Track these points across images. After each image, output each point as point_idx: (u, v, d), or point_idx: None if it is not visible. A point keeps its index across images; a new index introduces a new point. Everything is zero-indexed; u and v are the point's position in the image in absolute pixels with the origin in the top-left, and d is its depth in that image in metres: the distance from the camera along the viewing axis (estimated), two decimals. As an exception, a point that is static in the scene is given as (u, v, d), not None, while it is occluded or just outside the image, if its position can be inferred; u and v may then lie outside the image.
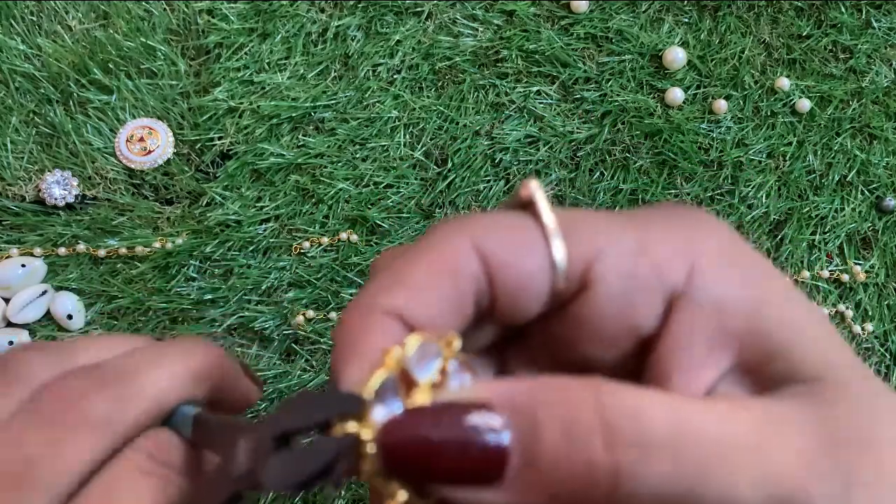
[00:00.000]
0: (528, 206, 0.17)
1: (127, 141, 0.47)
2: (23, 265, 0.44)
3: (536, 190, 0.17)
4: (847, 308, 0.45)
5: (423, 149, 0.48)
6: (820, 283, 0.46)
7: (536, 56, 0.49)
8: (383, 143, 0.47)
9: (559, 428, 0.14)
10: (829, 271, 0.46)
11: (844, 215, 0.47)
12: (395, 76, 0.49)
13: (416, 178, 0.47)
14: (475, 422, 0.15)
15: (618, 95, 0.49)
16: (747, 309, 0.16)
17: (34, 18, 0.50)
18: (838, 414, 0.16)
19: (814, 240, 0.46)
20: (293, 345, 0.44)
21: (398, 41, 0.50)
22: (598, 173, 0.48)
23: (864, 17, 0.51)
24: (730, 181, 0.47)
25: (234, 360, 0.26)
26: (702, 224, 0.17)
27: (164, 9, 0.50)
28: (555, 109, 0.49)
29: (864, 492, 0.15)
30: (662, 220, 0.17)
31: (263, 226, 0.46)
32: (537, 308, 0.17)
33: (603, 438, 0.14)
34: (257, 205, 0.46)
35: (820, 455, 0.15)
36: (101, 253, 0.45)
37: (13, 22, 0.49)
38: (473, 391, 0.15)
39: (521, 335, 0.19)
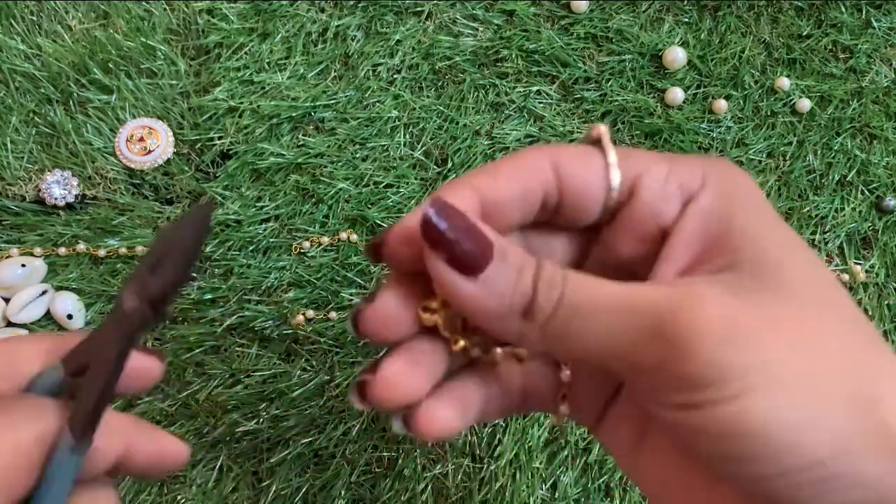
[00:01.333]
0: (596, 143, 0.24)
1: (127, 141, 0.47)
2: (23, 265, 0.44)
3: (604, 127, 0.24)
4: (847, 308, 0.45)
5: (423, 149, 0.48)
6: (820, 283, 0.46)
7: (536, 56, 0.49)
8: (383, 143, 0.47)
9: (513, 274, 0.21)
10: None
11: (844, 215, 0.47)
12: (395, 76, 0.49)
13: (416, 178, 0.47)
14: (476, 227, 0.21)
15: (618, 95, 0.49)
16: (724, 218, 0.22)
17: (34, 18, 0.50)
18: (753, 288, 0.21)
19: (814, 239, 0.46)
20: (293, 344, 0.44)
21: (398, 41, 0.50)
22: (598, 173, 0.48)
23: (864, 17, 0.51)
24: (730, 181, 0.47)
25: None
26: (719, 164, 0.24)
27: (164, 9, 0.50)
28: (555, 109, 0.49)
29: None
30: (691, 158, 0.24)
31: (263, 226, 0.46)
32: (594, 212, 0.24)
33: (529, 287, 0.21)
34: (257, 205, 0.46)
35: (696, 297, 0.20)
36: (101, 253, 0.45)
37: (13, 22, 0.49)
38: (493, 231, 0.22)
39: (588, 258, 0.25)
